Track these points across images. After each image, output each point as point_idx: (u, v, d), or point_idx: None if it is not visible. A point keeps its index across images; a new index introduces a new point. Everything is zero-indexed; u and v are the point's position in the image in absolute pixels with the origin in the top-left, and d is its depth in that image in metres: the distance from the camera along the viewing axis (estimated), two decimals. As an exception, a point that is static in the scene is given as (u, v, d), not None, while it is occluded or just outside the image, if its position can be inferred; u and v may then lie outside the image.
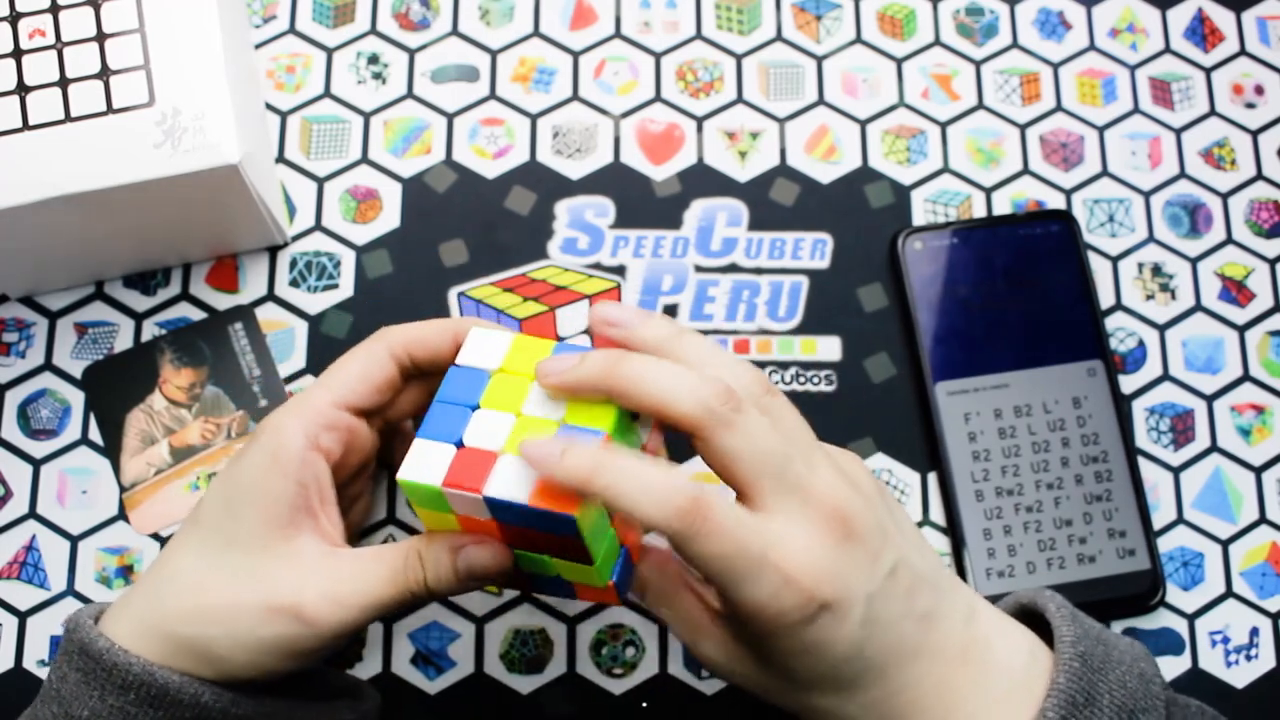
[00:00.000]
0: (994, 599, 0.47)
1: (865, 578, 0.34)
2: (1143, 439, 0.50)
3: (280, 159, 0.52)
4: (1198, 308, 0.52)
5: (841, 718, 0.35)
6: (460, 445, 0.35)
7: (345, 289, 0.51)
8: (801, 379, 0.50)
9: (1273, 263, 0.52)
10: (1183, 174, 0.53)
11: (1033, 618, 0.38)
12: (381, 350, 0.39)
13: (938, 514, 0.49)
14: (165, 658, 0.36)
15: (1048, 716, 0.33)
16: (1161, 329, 0.51)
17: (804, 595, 0.33)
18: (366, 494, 0.45)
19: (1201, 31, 0.55)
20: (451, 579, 0.37)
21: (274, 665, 0.36)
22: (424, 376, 0.41)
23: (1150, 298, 0.52)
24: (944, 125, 0.54)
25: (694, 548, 0.32)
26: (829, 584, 0.33)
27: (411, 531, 0.48)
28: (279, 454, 0.37)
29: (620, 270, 0.51)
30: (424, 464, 0.35)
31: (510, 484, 0.34)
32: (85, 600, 0.47)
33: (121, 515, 0.48)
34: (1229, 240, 0.52)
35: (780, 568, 0.33)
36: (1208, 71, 0.55)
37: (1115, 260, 0.52)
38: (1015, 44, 0.55)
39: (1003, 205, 0.53)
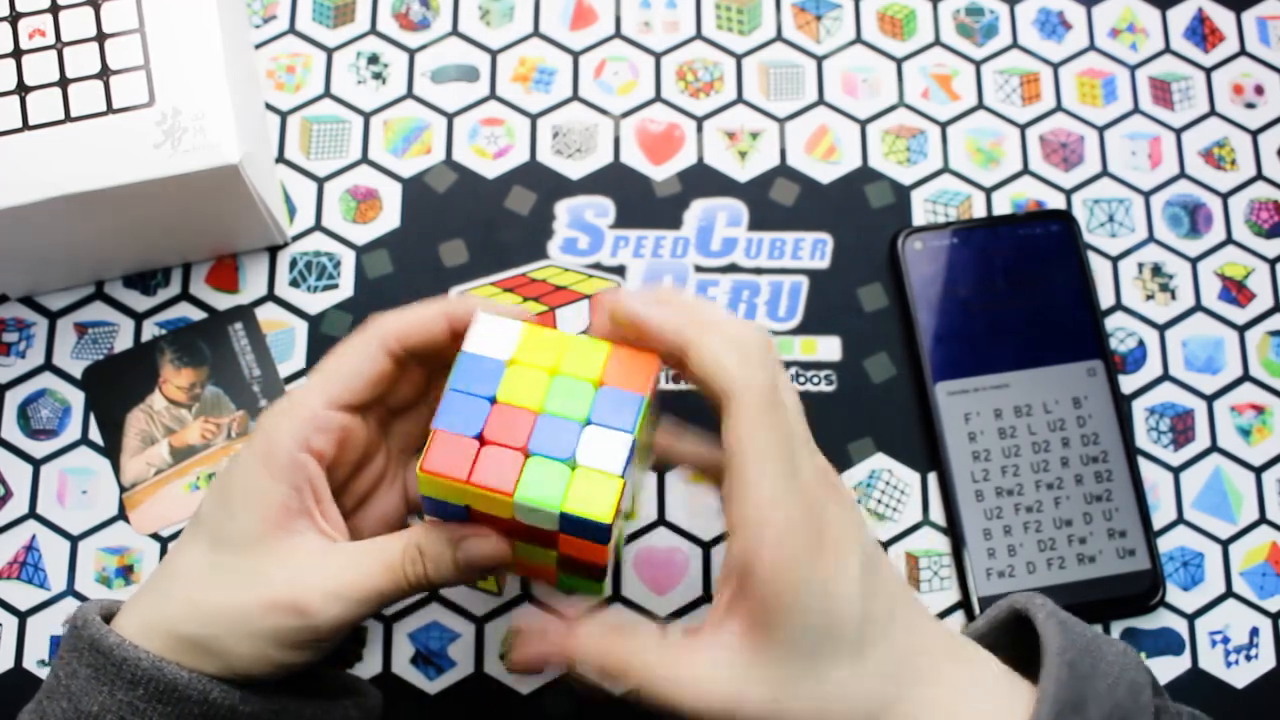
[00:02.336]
0: (993, 599, 0.47)
1: (857, 535, 0.35)
2: (1143, 439, 0.50)
3: (280, 159, 0.52)
4: (1198, 308, 0.52)
5: (856, 691, 0.34)
6: (481, 439, 0.35)
7: (345, 289, 0.51)
8: (801, 379, 0.50)
9: (1273, 263, 0.52)
10: (1183, 174, 0.53)
11: (1022, 622, 0.38)
12: (374, 344, 0.39)
13: (938, 514, 0.49)
14: (173, 656, 0.36)
15: None
16: (1161, 329, 0.51)
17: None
18: (385, 488, 0.43)
19: (1201, 31, 0.55)
20: (451, 571, 0.36)
21: (278, 659, 0.36)
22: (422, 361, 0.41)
23: (1150, 298, 0.52)
24: (944, 125, 0.54)
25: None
26: (831, 523, 0.34)
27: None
28: (269, 457, 0.37)
29: (620, 270, 0.51)
30: (447, 457, 0.34)
31: (543, 488, 0.34)
32: (85, 600, 0.47)
33: (121, 515, 0.48)
34: (1229, 240, 0.52)
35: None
36: (1208, 71, 0.55)
37: (1115, 260, 0.52)
38: (1015, 44, 0.55)
39: (1003, 205, 0.53)
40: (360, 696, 0.41)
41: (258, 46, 0.54)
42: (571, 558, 0.37)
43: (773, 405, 0.34)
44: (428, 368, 0.41)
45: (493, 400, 0.35)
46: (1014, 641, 0.38)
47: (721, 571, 0.36)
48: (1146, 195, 0.53)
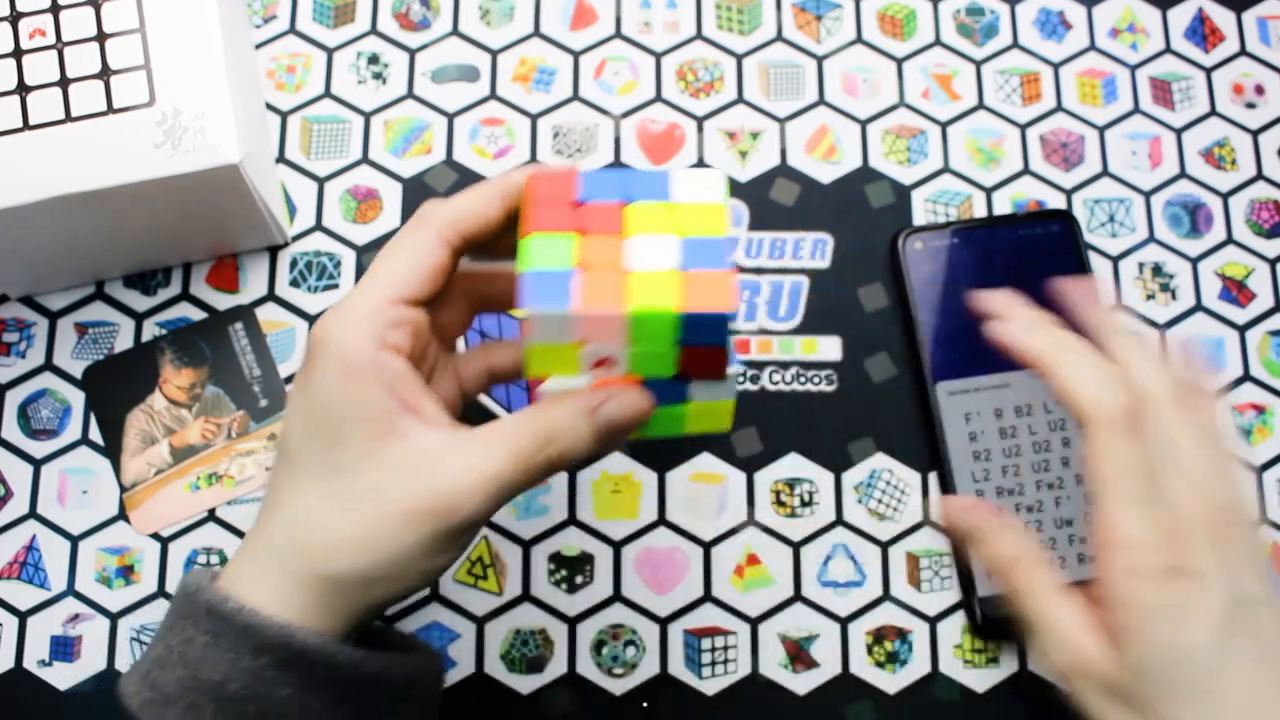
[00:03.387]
0: (994, 600, 0.47)
1: (1229, 580, 0.35)
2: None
3: (280, 159, 0.52)
4: (1198, 308, 0.52)
5: None
6: (575, 276, 0.32)
7: (345, 289, 0.51)
8: (802, 379, 0.50)
9: (1273, 263, 0.52)
10: (1183, 174, 0.53)
11: None
12: (430, 237, 0.36)
13: (938, 514, 0.49)
14: (310, 603, 0.34)
15: None
16: (1162, 329, 0.51)
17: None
18: (439, 379, 0.40)
19: (1202, 31, 0.55)
20: (589, 443, 0.34)
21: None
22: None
23: (1151, 298, 0.52)
24: (944, 125, 0.54)
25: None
26: (1192, 557, 0.35)
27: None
28: (350, 366, 0.34)
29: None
30: (546, 291, 0.32)
31: (655, 294, 0.32)
32: (85, 600, 0.47)
33: (122, 515, 0.48)
34: (1229, 240, 0.52)
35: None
36: (1208, 71, 0.55)
37: (1116, 260, 0.52)
38: (1015, 44, 0.55)
39: (1003, 205, 0.53)
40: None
41: (258, 46, 0.54)
42: (690, 378, 0.35)
43: (1126, 429, 0.36)
44: (484, 256, 0.39)
45: (570, 271, 0.33)
46: None
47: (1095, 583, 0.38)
48: (1147, 195, 0.53)
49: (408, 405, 0.34)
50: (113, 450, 0.49)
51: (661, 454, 0.49)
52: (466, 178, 0.52)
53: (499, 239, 0.37)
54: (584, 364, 0.34)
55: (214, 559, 0.48)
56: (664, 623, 0.48)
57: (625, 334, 0.33)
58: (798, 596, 0.48)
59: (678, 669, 0.47)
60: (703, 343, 0.33)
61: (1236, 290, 0.52)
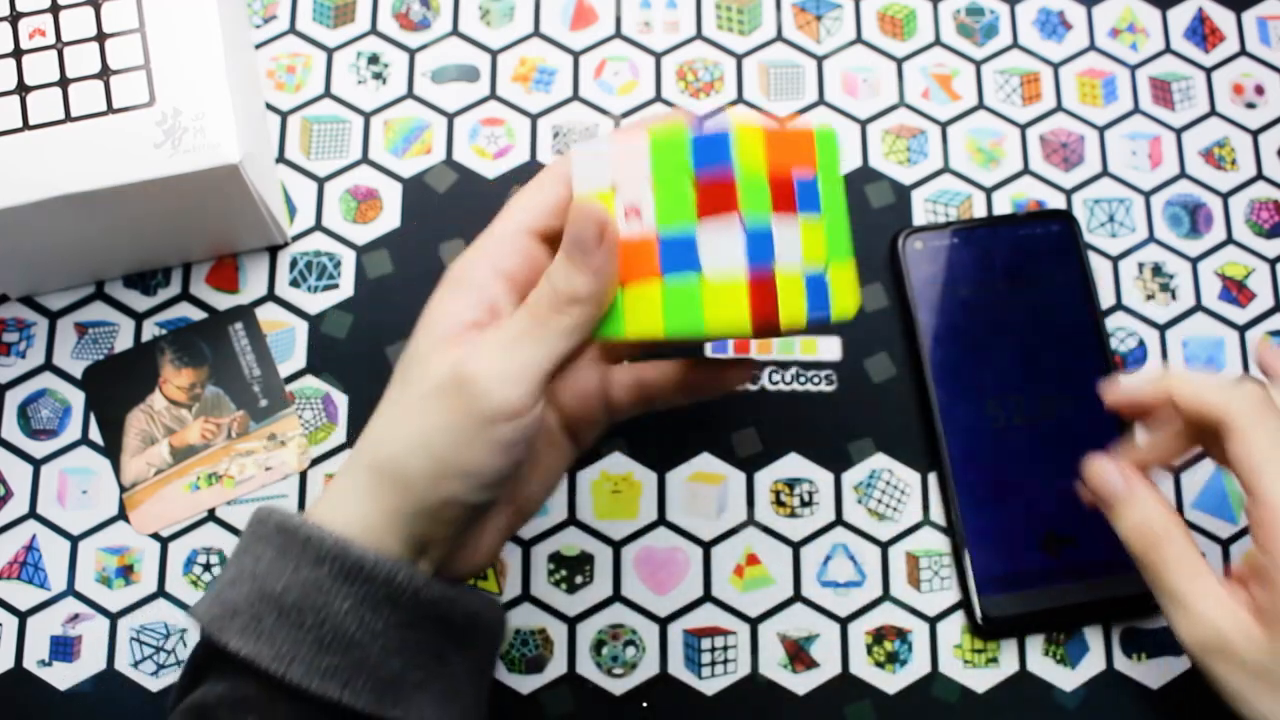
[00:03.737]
0: (994, 600, 0.47)
1: None
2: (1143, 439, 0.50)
3: (280, 159, 0.52)
4: (1198, 308, 0.52)
5: None
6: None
7: (345, 289, 0.51)
8: (802, 379, 0.50)
9: (1273, 263, 0.52)
10: (1183, 174, 0.53)
11: None
12: (563, 176, 0.37)
13: (938, 514, 0.49)
14: (380, 518, 0.35)
15: None
16: (1162, 329, 0.51)
17: None
18: (591, 366, 0.41)
19: (1202, 31, 0.55)
20: (590, 282, 0.34)
21: (469, 459, 0.34)
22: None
23: (1150, 298, 0.52)
24: (944, 125, 0.54)
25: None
26: None
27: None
28: (458, 282, 0.36)
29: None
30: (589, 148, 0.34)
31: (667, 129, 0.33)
32: (85, 600, 0.47)
33: (122, 515, 0.48)
34: (1229, 240, 0.52)
35: None
36: (1208, 71, 0.55)
37: (1115, 260, 0.52)
38: (1015, 44, 0.55)
39: (1003, 205, 0.53)
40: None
41: (258, 46, 0.54)
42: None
43: (1267, 414, 0.37)
44: None
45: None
46: None
47: (1241, 561, 0.38)
48: (1147, 195, 0.53)
49: (495, 311, 0.35)
50: (113, 450, 0.49)
51: (661, 454, 0.49)
52: (466, 178, 0.52)
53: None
54: (619, 215, 0.34)
55: (214, 559, 0.48)
56: (664, 623, 0.48)
57: (649, 170, 0.33)
58: (797, 596, 0.48)
59: (677, 669, 0.47)
60: (714, 165, 0.32)
61: (1236, 290, 0.52)
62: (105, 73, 0.44)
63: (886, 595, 0.48)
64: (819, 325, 0.35)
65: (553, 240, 0.36)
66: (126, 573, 0.48)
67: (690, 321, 0.33)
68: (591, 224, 0.33)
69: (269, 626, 0.34)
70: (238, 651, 0.34)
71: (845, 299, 0.35)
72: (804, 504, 0.49)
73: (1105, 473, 0.40)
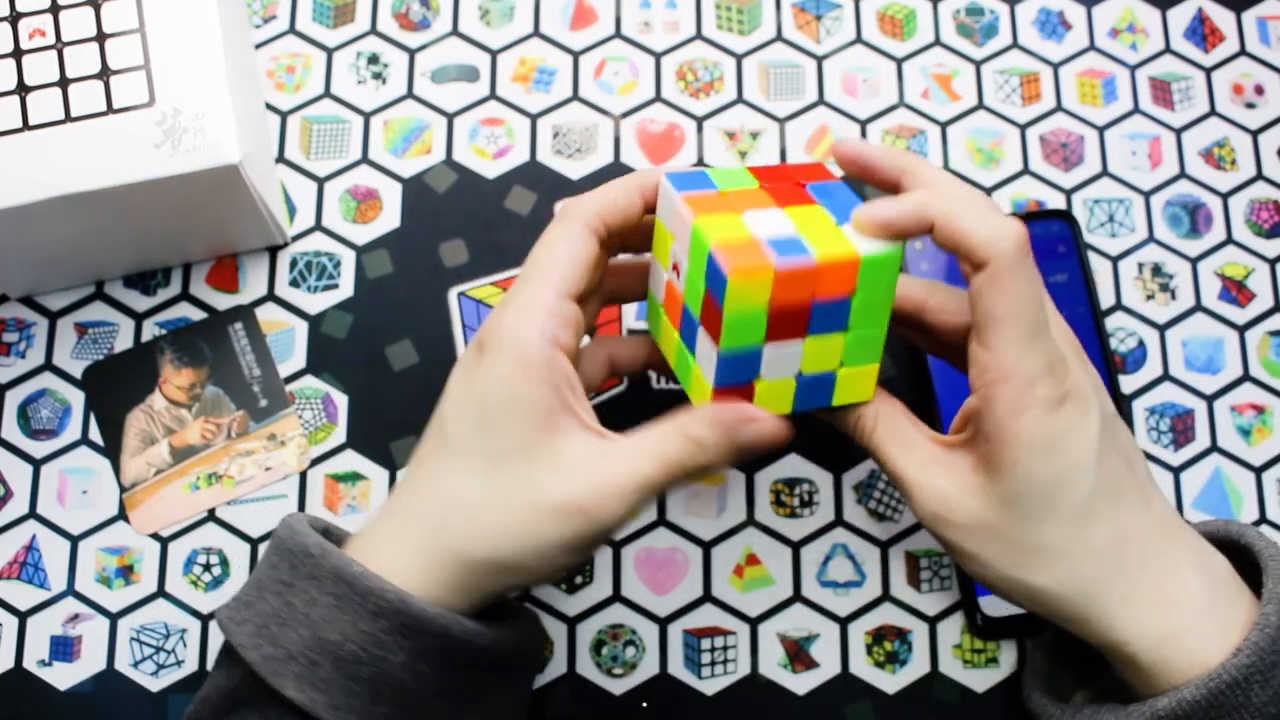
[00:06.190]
0: (994, 600, 0.47)
1: (1097, 398, 0.36)
2: (1143, 439, 0.50)
3: (280, 159, 0.52)
4: (1198, 308, 0.52)
5: (1068, 566, 0.35)
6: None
7: (345, 289, 0.51)
8: (801, 379, 0.50)
9: (1273, 263, 0.52)
10: (1183, 174, 0.53)
11: (1234, 550, 0.39)
12: (580, 229, 0.37)
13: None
14: (442, 580, 0.35)
15: (1268, 615, 0.34)
16: (1161, 329, 0.51)
17: (1057, 369, 0.35)
18: (581, 364, 0.42)
19: (1201, 31, 0.55)
20: (731, 457, 0.36)
21: (564, 562, 0.36)
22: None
23: (1150, 298, 0.52)
24: (944, 125, 0.54)
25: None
26: (1072, 380, 0.35)
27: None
28: (526, 361, 0.35)
29: (620, 270, 0.51)
30: (685, 180, 0.37)
31: (718, 225, 0.36)
32: (85, 600, 0.47)
33: (121, 515, 0.48)
34: (1229, 240, 0.52)
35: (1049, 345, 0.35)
36: (1208, 71, 0.55)
37: (1115, 260, 0.52)
38: (1015, 44, 0.55)
39: (1003, 205, 0.53)
40: (531, 615, 0.41)
41: (258, 46, 0.54)
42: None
43: (1026, 265, 0.35)
44: (616, 249, 0.41)
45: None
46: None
47: (957, 418, 0.38)
48: (1146, 195, 0.53)
49: (568, 405, 0.36)
50: (112, 450, 0.49)
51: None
52: (466, 178, 0.52)
53: (636, 229, 0.39)
54: (669, 262, 0.38)
55: (213, 559, 0.48)
56: (664, 623, 0.48)
57: (689, 250, 0.36)
58: (797, 596, 0.48)
59: (677, 669, 0.47)
60: (714, 290, 0.35)
61: (1236, 290, 0.52)
62: (105, 73, 0.44)
63: (886, 595, 0.48)
64: (819, 410, 0.39)
65: (606, 238, 0.38)
66: (126, 573, 0.48)
67: (684, 383, 0.39)
68: (751, 433, 0.36)
69: (325, 675, 0.35)
70: (294, 699, 0.34)
71: (851, 392, 0.39)
72: (804, 504, 0.49)
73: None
